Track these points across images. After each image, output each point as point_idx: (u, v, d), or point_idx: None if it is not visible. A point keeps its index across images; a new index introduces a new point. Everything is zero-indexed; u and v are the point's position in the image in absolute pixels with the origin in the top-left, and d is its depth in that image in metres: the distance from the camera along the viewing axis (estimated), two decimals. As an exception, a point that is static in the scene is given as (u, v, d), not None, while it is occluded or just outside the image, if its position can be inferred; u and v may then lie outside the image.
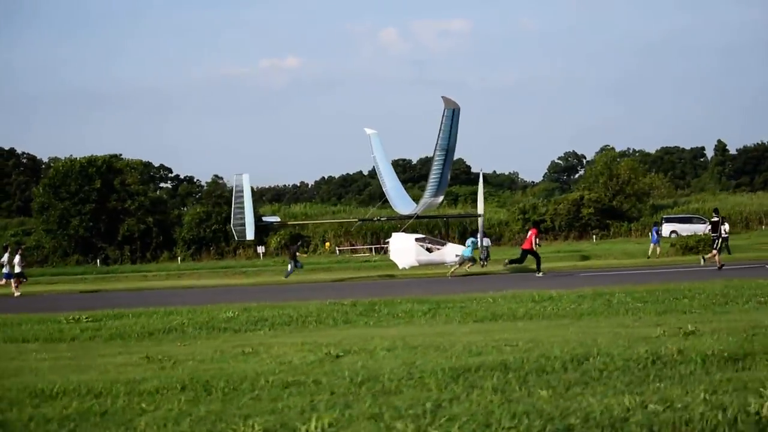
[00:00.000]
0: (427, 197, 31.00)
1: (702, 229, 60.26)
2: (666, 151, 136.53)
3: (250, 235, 34.11)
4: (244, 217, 33.29)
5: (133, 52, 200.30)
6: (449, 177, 31.98)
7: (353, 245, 69.85)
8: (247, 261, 61.61)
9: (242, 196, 33.39)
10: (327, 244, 68.34)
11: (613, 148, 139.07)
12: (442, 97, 28.31)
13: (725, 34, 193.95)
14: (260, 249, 66.07)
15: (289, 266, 35.95)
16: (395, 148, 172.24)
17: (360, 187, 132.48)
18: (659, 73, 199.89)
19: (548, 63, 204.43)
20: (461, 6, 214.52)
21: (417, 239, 33.83)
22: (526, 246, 29.40)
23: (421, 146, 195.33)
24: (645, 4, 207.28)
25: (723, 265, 27.00)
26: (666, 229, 61.53)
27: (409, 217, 34.69)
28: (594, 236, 67.22)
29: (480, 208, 34.90)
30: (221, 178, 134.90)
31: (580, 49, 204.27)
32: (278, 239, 69.14)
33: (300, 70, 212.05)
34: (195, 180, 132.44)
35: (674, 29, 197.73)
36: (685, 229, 53.91)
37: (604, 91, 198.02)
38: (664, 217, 64.88)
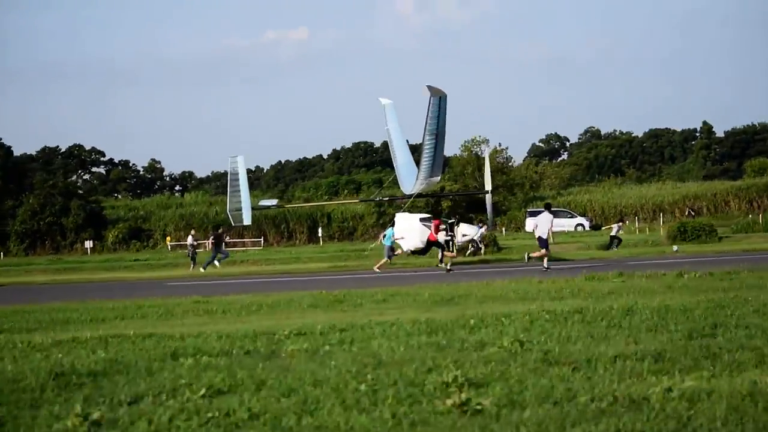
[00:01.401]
0: (422, 178, 34.69)
1: (570, 224, 63.33)
2: (654, 134, 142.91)
3: (247, 220, 36.85)
4: (241, 202, 36.02)
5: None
6: (443, 158, 36.18)
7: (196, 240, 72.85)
8: (83, 256, 62.84)
9: (238, 180, 36.16)
10: (168, 238, 71.07)
11: (598, 130, 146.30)
12: (427, 86, 31.63)
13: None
14: (88, 244, 67.92)
15: (212, 256, 38.63)
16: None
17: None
18: (648, 52, 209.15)
19: (539, 41, 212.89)
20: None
21: (422, 219, 35.62)
22: (431, 238, 33.15)
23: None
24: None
25: (451, 270, 29.98)
26: (530, 223, 63.19)
27: (408, 196, 37.83)
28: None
29: (488, 184, 38.47)
30: (159, 162, 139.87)
31: (567, 27, 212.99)
32: (116, 233, 71.82)
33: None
34: (131, 164, 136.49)
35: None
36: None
37: (590, 71, 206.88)
38: (528, 211, 66.68)
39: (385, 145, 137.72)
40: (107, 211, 79.63)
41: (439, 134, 32.82)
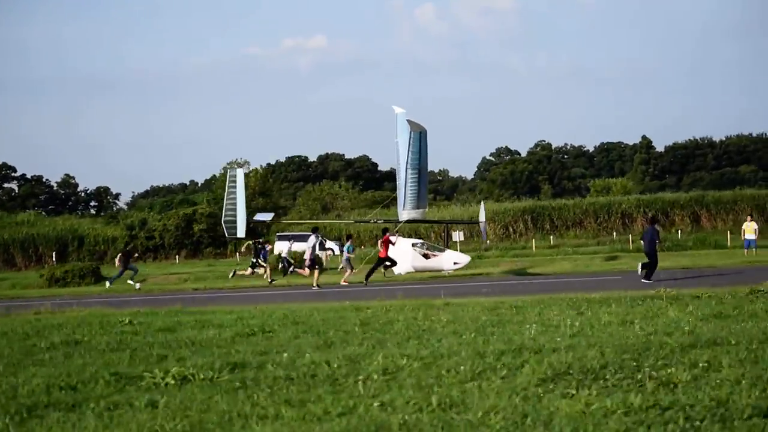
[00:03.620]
0: (408, 209, 38.94)
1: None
2: (605, 148, 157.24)
3: (241, 232, 39.29)
4: (236, 214, 38.79)
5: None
6: (426, 191, 40.30)
7: None
8: None
9: (235, 191, 38.92)
10: None
11: (549, 143, 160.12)
12: (408, 120, 36.35)
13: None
14: None
15: (120, 272, 41.55)
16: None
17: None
18: (597, 65, 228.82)
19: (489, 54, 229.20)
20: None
21: (414, 244, 39.17)
22: (382, 254, 36.74)
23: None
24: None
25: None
26: (279, 247, 64.38)
27: (398, 221, 40.81)
28: (177, 257, 73.80)
29: (482, 215, 44.73)
30: (73, 178, 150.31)
31: (528, 37, 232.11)
32: None
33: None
34: (44, 180, 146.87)
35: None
36: (302, 248, 53.37)
37: (542, 83, 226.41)
38: (278, 234, 69.65)
39: (321, 160, 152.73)
40: None
41: (421, 169, 37.88)
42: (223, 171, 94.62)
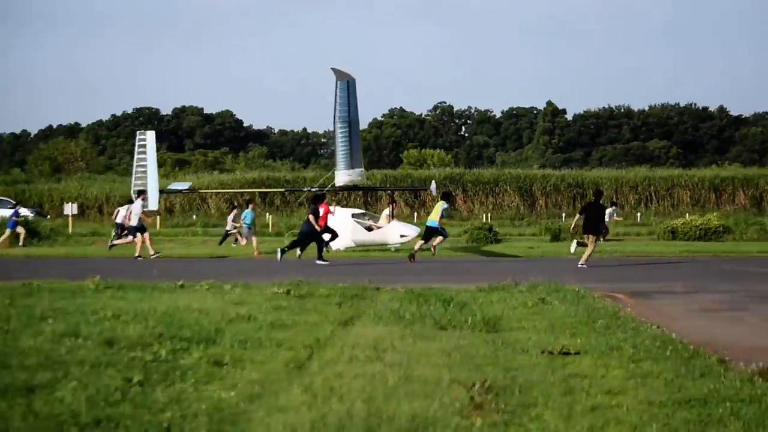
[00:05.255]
0: (342, 170, 37.84)
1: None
2: (513, 113, 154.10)
3: (153, 204, 38.25)
4: (147, 184, 37.81)
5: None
6: (360, 148, 39.40)
7: None
8: None
9: (145, 156, 38.19)
10: None
11: (450, 106, 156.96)
12: (333, 68, 36.04)
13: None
14: None
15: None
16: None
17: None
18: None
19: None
20: None
21: (354, 215, 38.72)
22: (321, 223, 33.11)
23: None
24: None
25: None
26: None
27: (335, 189, 39.54)
28: None
29: (433, 183, 42.65)
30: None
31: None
32: None
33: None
34: None
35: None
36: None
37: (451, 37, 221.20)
38: None
39: (176, 113, 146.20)
40: None
41: (351, 122, 37.35)
42: None
